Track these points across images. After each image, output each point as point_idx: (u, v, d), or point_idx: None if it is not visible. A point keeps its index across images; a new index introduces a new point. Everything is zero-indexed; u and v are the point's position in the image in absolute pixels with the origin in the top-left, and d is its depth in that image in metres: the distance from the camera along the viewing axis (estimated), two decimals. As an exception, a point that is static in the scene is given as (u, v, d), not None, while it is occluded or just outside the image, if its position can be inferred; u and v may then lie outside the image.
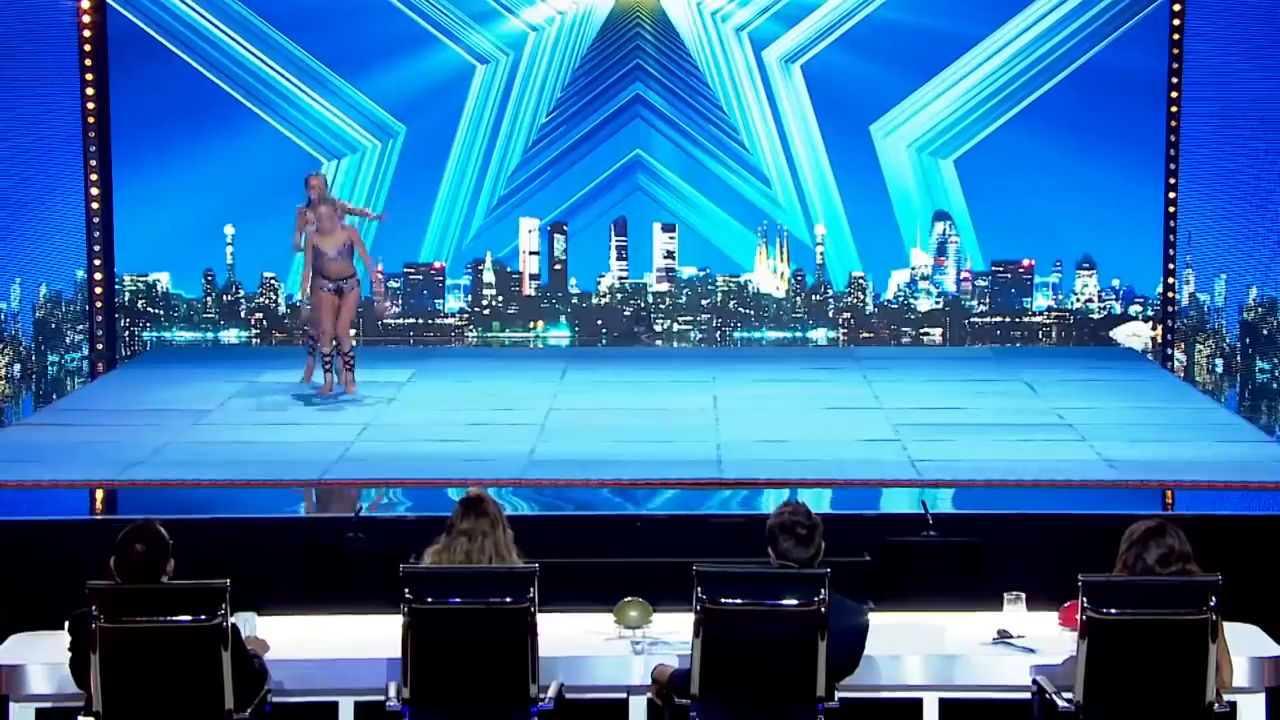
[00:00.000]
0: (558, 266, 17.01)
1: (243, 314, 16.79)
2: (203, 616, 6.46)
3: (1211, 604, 6.43)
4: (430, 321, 17.02)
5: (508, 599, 6.61)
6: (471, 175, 16.74)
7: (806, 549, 6.64)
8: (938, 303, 16.94)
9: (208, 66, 16.38)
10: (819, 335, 16.99)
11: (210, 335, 16.78)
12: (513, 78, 16.68)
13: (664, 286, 17.07)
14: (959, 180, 16.66)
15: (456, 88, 16.65)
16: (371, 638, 7.11)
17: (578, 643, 7.14)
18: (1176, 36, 16.08)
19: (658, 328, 17.06)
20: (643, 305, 17.04)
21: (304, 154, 16.42)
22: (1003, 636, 7.17)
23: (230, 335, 16.79)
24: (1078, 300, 16.81)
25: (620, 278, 17.06)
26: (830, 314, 16.97)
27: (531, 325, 17.11)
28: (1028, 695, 6.91)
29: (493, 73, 16.66)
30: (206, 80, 16.38)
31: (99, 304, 16.01)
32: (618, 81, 16.78)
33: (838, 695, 6.66)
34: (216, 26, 16.35)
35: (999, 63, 16.51)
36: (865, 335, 16.89)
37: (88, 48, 15.71)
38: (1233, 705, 6.75)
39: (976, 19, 16.40)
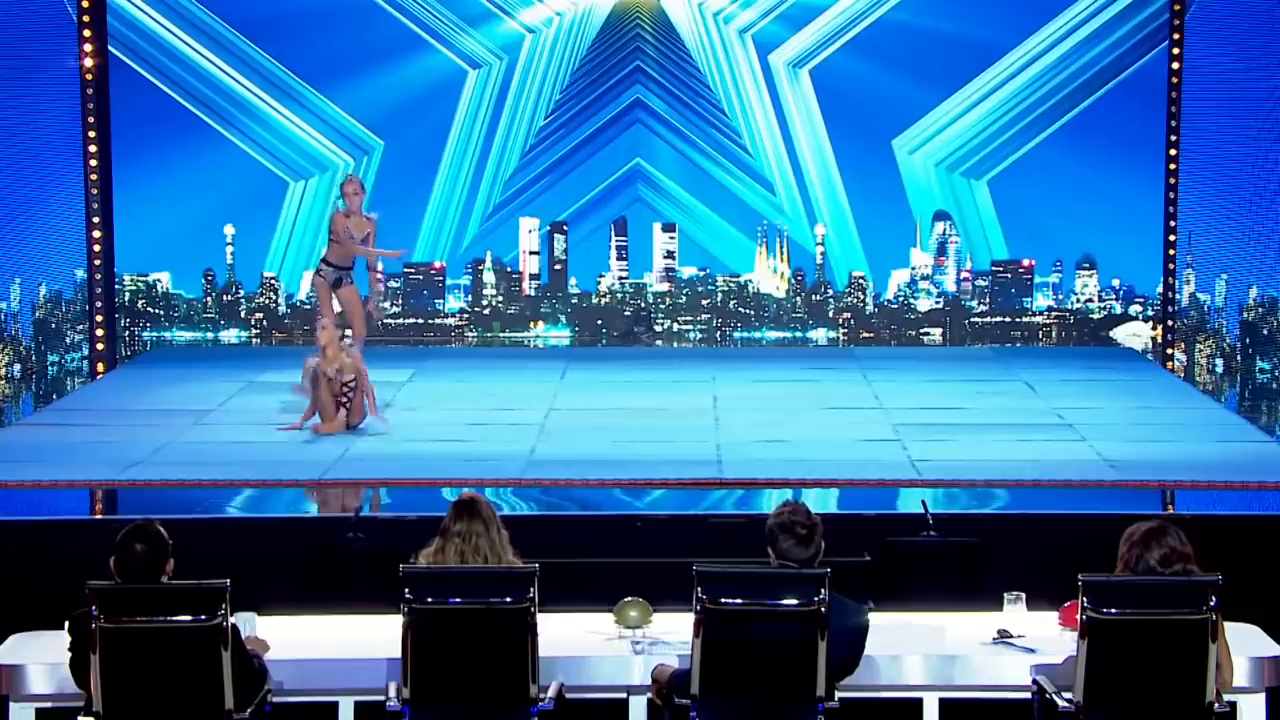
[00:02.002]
0: (558, 266, 17.00)
1: (243, 314, 16.78)
2: (203, 616, 6.46)
3: (1212, 604, 6.43)
4: (430, 321, 17.01)
5: (508, 599, 6.61)
6: (466, 179, 16.71)
7: (806, 549, 6.64)
8: (938, 303, 16.93)
9: (205, 74, 16.39)
10: (819, 335, 16.98)
11: (210, 335, 16.77)
12: (509, 81, 16.65)
13: (664, 286, 17.06)
14: (990, 195, 16.65)
15: (451, 91, 16.61)
16: (371, 638, 7.10)
17: (578, 643, 7.13)
18: (1177, 36, 16.08)
19: (658, 328, 17.05)
20: (643, 305, 17.03)
21: (304, 155, 16.41)
22: (1003, 636, 7.17)
23: (230, 335, 16.78)
24: (1078, 300, 16.80)
25: (620, 278, 17.05)
26: (830, 314, 16.96)
27: (531, 325, 17.10)
28: (1028, 695, 6.91)
29: (487, 76, 16.64)
30: (206, 82, 16.37)
31: (99, 304, 16.00)
32: (617, 84, 16.75)
33: (838, 695, 6.66)
34: (200, 52, 16.34)
35: (1012, 71, 16.47)
36: (865, 335, 16.88)
37: (88, 47, 15.71)
38: (1233, 705, 6.75)
39: (983, 21, 16.35)
